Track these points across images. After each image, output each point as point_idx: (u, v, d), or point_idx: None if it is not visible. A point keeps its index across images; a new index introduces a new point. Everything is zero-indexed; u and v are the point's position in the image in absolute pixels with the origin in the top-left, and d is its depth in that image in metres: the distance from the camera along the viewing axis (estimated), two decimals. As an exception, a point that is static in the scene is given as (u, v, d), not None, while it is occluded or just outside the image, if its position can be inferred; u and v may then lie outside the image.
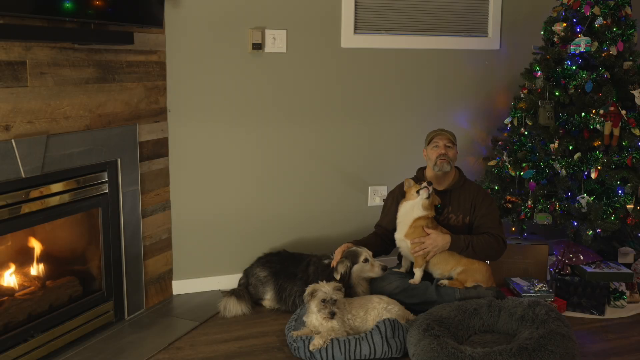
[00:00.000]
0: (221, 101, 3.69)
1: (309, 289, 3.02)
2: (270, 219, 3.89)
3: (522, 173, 3.79)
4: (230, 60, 3.66)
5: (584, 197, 3.61)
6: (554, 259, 3.78)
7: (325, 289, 2.96)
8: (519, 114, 3.90)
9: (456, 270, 3.31)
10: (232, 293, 3.51)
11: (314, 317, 3.00)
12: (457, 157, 3.48)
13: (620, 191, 3.62)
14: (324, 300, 2.94)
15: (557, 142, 3.66)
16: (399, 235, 3.37)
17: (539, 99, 3.77)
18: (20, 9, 2.51)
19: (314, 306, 2.99)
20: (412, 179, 3.53)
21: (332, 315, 2.93)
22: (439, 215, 3.44)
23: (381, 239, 3.53)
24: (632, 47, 3.79)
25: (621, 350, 3.09)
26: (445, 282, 3.30)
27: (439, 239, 3.26)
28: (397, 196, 3.49)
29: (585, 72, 3.71)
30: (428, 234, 3.27)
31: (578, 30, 3.76)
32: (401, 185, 3.54)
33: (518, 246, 3.77)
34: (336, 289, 2.99)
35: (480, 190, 3.52)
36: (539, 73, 3.85)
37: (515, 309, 2.99)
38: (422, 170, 3.56)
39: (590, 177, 3.61)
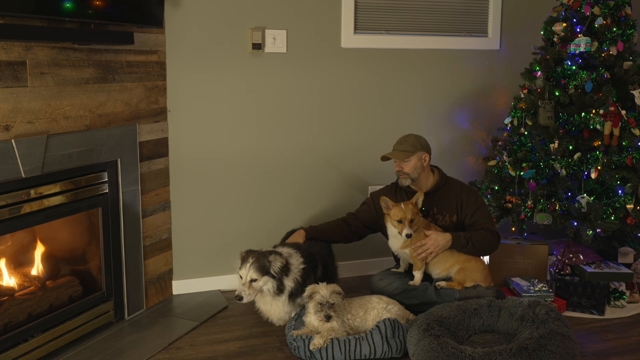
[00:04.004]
0: (221, 101, 3.69)
1: (308, 290, 3.02)
2: (270, 219, 3.89)
3: (522, 173, 3.79)
4: (230, 60, 3.66)
5: (584, 197, 3.61)
6: (554, 259, 3.78)
7: (323, 292, 2.96)
8: (519, 114, 3.90)
9: (454, 269, 3.31)
10: None
11: (314, 317, 3.00)
12: (420, 164, 3.36)
13: (620, 191, 3.62)
14: (320, 303, 2.94)
15: (557, 142, 3.66)
16: (394, 247, 3.37)
17: (539, 99, 3.77)
18: (20, 9, 2.51)
19: (311, 307, 2.99)
20: (393, 184, 3.52)
21: (328, 318, 2.93)
22: (426, 217, 3.44)
23: (349, 230, 3.49)
24: (632, 47, 3.79)
25: (621, 350, 3.09)
26: (443, 283, 3.29)
27: (440, 238, 3.26)
28: (378, 202, 3.41)
29: (585, 72, 3.71)
30: (427, 236, 3.27)
31: (578, 30, 3.76)
32: (385, 188, 3.54)
33: (518, 246, 3.77)
34: (335, 292, 2.97)
35: (464, 186, 3.51)
36: (539, 73, 3.85)
37: (515, 309, 2.99)
38: None
39: (590, 177, 3.61)
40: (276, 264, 3.09)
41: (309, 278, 3.19)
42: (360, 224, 3.50)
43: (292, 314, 3.22)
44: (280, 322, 3.31)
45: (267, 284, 3.09)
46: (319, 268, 3.27)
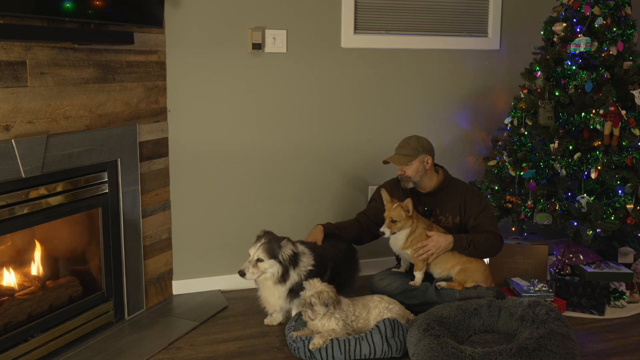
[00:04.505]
0: (221, 101, 3.69)
1: (305, 284, 3.03)
2: (271, 220, 3.89)
3: (522, 173, 3.79)
4: (230, 60, 3.66)
5: (584, 197, 3.61)
6: (554, 259, 3.78)
7: (307, 290, 2.96)
8: (519, 114, 3.90)
9: (455, 269, 3.31)
10: None
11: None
12: (423, 167, 3.36)
13: (620, 191, 3.62)
14: (304, 299, 2.96)
15: (557, 142, 3.66)
16: (395, 248, 3.37)
17: (539, 99, 3.77)
18: (20, 9, 2.51)
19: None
20: (395, 180, 3.51)
21: (303, 315, 2.96)
22: (428, 218, 3.43)
23: (361, 228, 3.48)
24: (632, 47, 3.79)
25: (621, 350, 3.10)
26: (443, 284, 3.29)
27: (442, 240, 3.26)
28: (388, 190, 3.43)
29: (585, 72, 3.71)
30: (429, 237, 3.27)
31: (578, 30, 3.76)
32: (390, 182, 3.54)
33: (518, 246, 3.77)
34: (318, 294, 2.93)
35: (468, 188, 3.50)
36: (539, 73, 3.85)
37: (515, 309, 2.99)
38: None
39: (590, 177, 3.61)
40: (286, 251, 3.08)
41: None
42: (370, 221, 3.49)
43: (293, 314, 3.22)
44: (270, 320, 3.33)
45: (272, 267, 3.08)
46: (327, 273, 3.25)
